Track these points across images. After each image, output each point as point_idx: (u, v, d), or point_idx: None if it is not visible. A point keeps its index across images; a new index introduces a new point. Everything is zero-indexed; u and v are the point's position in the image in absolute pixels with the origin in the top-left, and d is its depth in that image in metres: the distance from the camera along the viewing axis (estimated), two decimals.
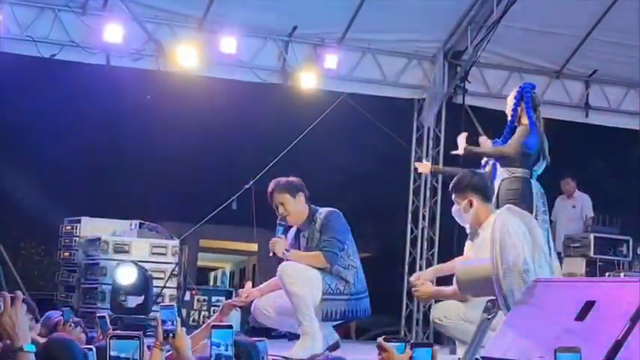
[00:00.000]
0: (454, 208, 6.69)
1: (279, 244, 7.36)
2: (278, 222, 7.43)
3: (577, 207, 12.97)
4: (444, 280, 7.00)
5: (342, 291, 7.32)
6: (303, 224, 7.49)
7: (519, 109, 8.31)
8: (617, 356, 4.22)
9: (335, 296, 7.29)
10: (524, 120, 8.27)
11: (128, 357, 3.40)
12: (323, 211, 7.47)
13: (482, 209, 6.51)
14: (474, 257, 6.36)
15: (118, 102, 15.00)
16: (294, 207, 7.45)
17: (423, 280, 6.73)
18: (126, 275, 10.92)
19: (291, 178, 7.59)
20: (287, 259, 7.31)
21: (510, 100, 8.42)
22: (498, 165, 8.24)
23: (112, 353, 3.42)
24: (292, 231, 7.64)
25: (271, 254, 7.40)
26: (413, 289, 6.76)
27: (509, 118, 8.38)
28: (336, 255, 7.31)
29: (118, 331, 4.32)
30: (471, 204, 6.51)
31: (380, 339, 3.67)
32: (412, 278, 6.92)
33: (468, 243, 6.84)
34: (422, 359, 3.53)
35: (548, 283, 5.26)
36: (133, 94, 14.09)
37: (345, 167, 17.11)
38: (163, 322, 4.11)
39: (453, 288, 6.56)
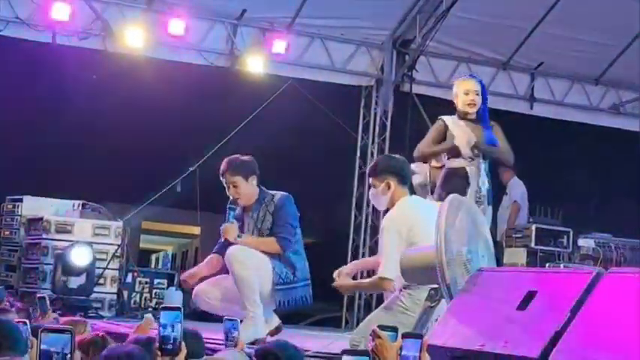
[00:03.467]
0: (371, 192, 6.71)
1: (232, 229, 7.33)
2: (229, 206, 7.40)
3: (508, 194, 12.95)
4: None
5: (292, 279, 7.36)
6: (251, 205, 7.47)
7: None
8: (555, 347, 4.26)
9: (287, 285, 7.34)
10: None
11: (58, 351, 3.31)
12: (277, 195, 7.48)
13: (399, 192, 6.55)
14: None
15: (62, 81, 14.82)
16: (246, 190, 7.42)
17: (342, 275, 6.86)
18: (81, 256, 10.78)
19: (245, 158, 7.51)
20: (239, 244, 7.30)
21: (476, 89, 7.65)
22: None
23: (42, 347, 3.33)
24: (238, 209, 7.62)
25: (222, 239, 7.37)
26: (334, 284, 6.83)
27: (479, 106, 7.62)
28: (290, 241, 7.35)
29: (49, 325, 4.18)
30: (388, 186, 6.55)
31: (374, 327, 3.86)
32: (334, 274, 6.93)
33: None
34: (411, 348, 3.65)
35: (491, 272, 5.30)
36: (78, 74, 13.92)
37: (291, 153, 17.06)
38: (163, 326, 3.57)
39: (370, 280, 6.69)
